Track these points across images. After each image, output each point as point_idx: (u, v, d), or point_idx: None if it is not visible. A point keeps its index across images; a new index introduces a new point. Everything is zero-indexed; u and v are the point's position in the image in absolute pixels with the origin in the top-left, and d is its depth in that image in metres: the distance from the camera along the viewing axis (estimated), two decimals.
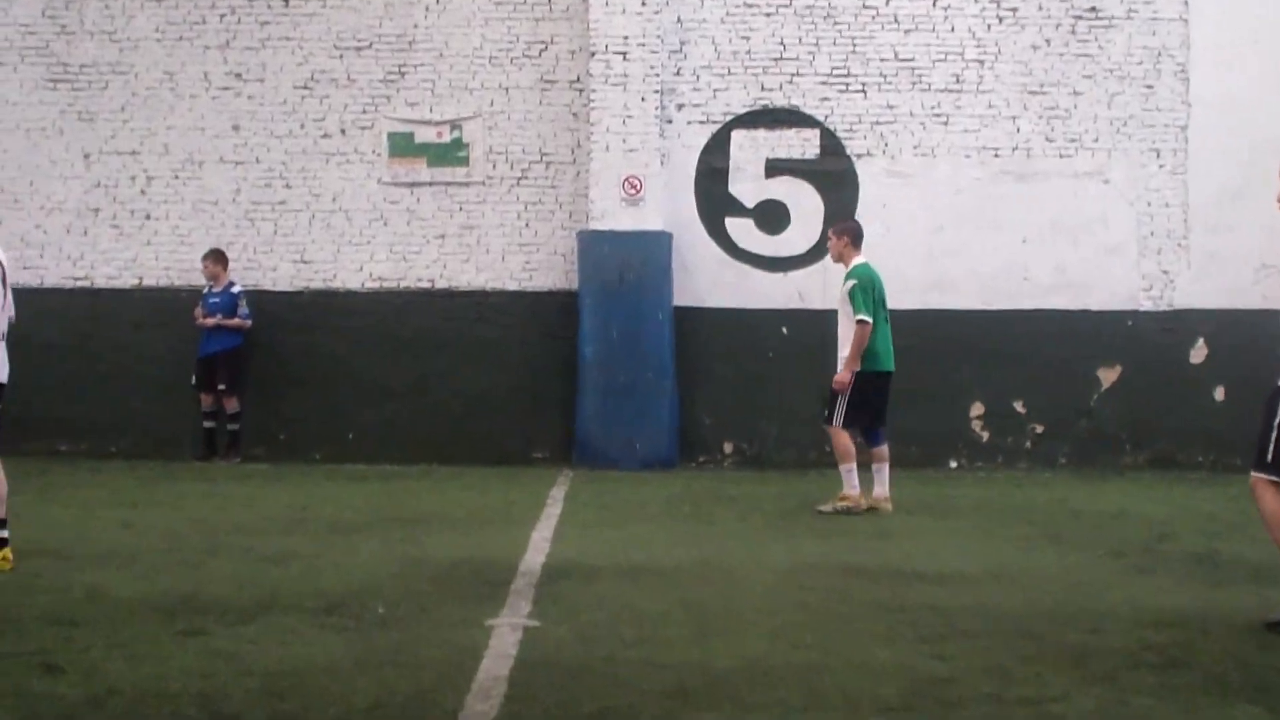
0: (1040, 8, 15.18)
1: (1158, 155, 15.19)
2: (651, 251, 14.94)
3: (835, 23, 15.25)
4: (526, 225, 15.27)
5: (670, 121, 15.22)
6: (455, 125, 15.29)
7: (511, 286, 15.28)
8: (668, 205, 15.09)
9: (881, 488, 11.38)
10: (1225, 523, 11.17)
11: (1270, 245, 15.03)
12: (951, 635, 6.81)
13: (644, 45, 14.90)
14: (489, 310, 15.22)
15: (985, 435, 15.21)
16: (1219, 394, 15.01)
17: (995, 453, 15.19)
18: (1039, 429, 15.16)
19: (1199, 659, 6.50)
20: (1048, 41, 15.19)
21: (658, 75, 14.98)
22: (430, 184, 15.26)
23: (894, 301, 14.75)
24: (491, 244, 15.28)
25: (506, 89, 15.22)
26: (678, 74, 15.24)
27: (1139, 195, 15.17)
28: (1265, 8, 15.19)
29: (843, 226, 11.86)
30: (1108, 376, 14.98)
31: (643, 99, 14.93)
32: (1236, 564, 9.21)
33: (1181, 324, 15.08)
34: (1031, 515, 11.49)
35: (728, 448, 15.29)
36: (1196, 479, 13.92)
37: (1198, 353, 15.05)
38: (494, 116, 15.24)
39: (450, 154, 15.31)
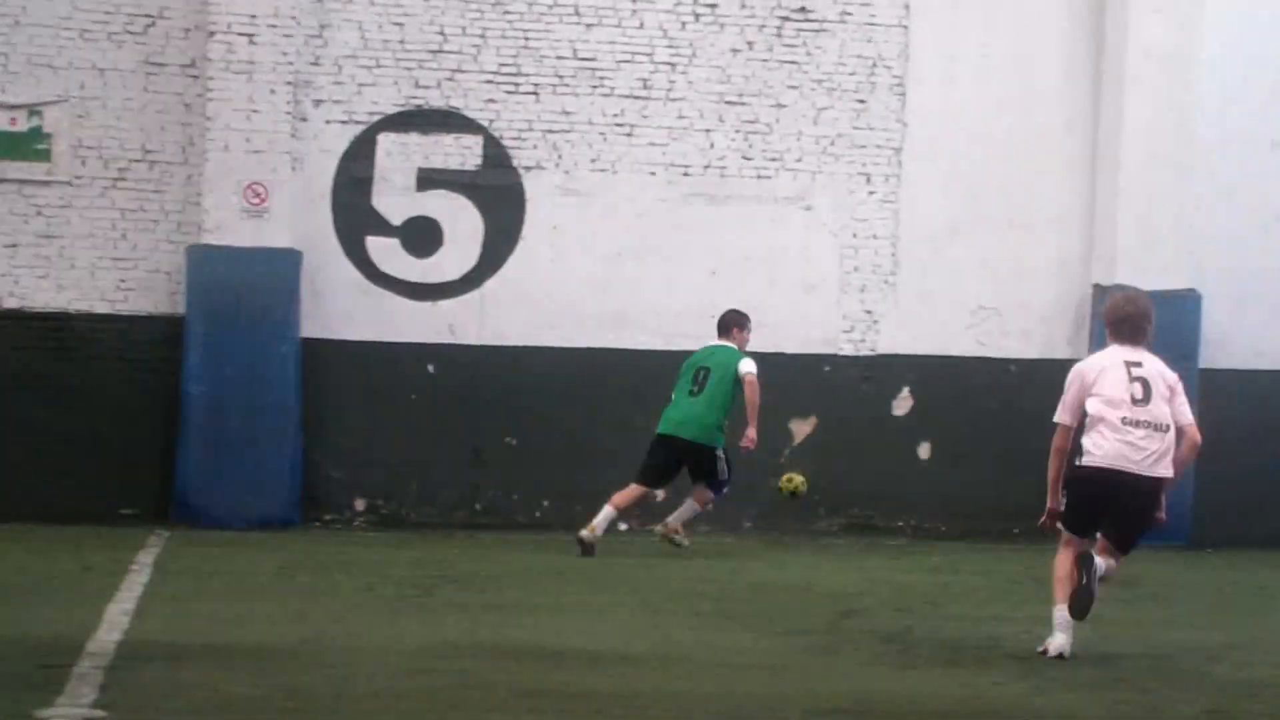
0: (743, 6, 15.58)
1: (868, 180, 15.78)
2: (276, 273, 14.81)
3: (505, 12, 15.39)
4: (123, 236, 14.92)
5: (305, 120, 15.12)
6: (33, 111, 14.83)
7: (101, 309, 14.91)
8: (298, 219, 14.98)
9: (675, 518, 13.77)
10: (921, 597, 11.63)
11: (988, 285, 15.77)
12: None
13: (275, 27, 14.77)
14: (71, 337, 14.83)
15: (660, 493, 15.47)
16: (924, 451, 15.64)
17: (670, 513, 15.42)
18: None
19: None
20: (750, 45, 15.63)
21: (291, 63, 14.88)
22: None
23: (563, 339, 15.09)
24: (78, 257, 14.87)
25: (101, 70, 14.86)
26: (315, 63, 15.16)
27: (844, 225, 15.72)
28: (994, 12, 15.91)
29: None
30: (801, 429, 15.45)
31: (272, 91, 14.80)
32: (929, 643, 9.58)
33: (885, 371, 15.68)
34: (707, 587, 11.75)
35: (359, 505, 15.26)
36: (895, 547, 14.47)
37: (901, 404, 15.66)
38: (84, 103, 14.84)
39: (26, 145, 14.86)
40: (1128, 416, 8.90)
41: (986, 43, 15.87)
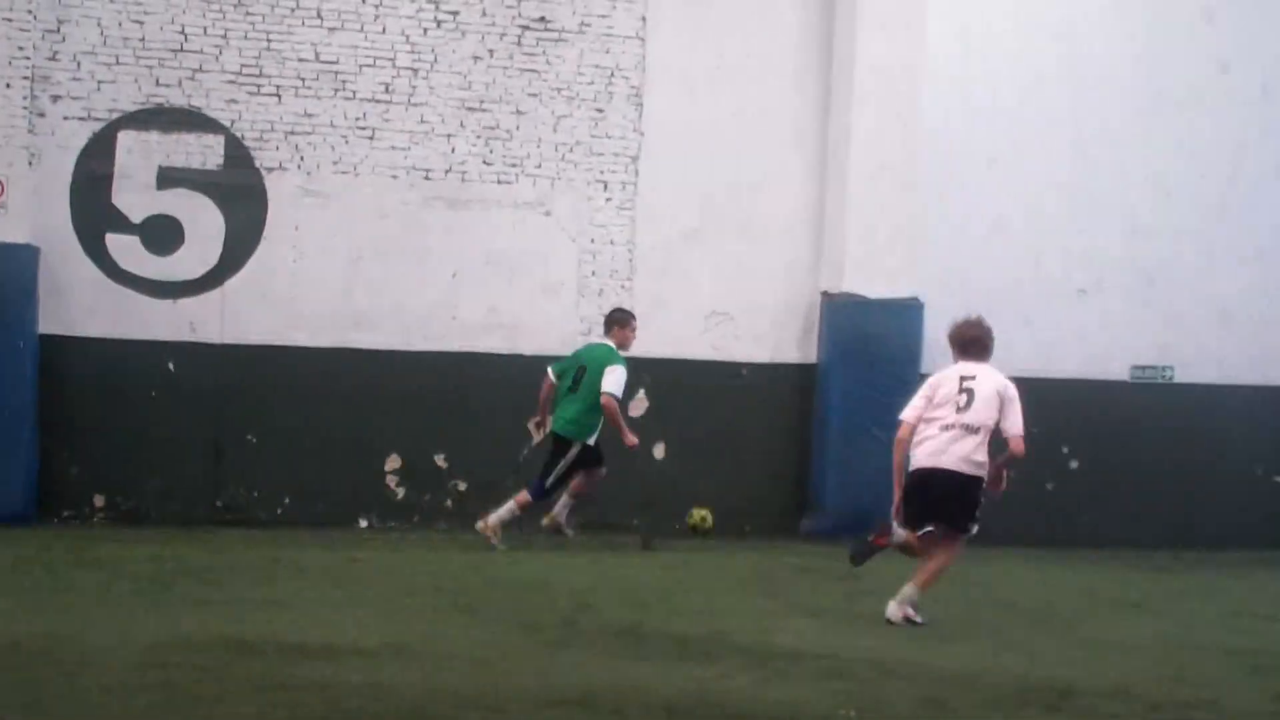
0: (484, 14, 15.63)
1: (605, 187, 15.97)
2: (13, 269, 14.48)
3: (248, 13, 15.26)
4: None
5: (43, 115, 14.81)
6: None
7: None
8: (35, 215, 14.67)
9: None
10: (654, 593, 11.84)
11: (721, 291, 16.09)
12: (335, 717, 6.97)
13: (10, 20, 14.45)
14: None
15: (401, 491, 15.53)
16: (659, 451, 15.88)
17: (411, 511, 15.53)
18: (462, 486, 15.59)
19: None
20: (491, 52, 15.70)
21: (28, 58, 14.58)
22: None
23: (305, 338, 15.04)
24: None
25: None
26: (53, 58, 14.85)
27: (582, 230, 15.89)
28: (728, 26, 16.17)
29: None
30: (538, 431, 15.61)
31: (7, 85, 14.50)
32: (660, 637, 9.80)
33: None
34: (445, 583, 11.83)
35: (98, 501, 14.97)
36: (628, 545, 14.65)
37: (638, 404, 15.88)
38: None
39: None
40: (948, 422, 10.49)
41: (721, 56, 16.15)
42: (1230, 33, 17.22)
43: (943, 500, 10.56)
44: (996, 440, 10.57)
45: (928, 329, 15.99)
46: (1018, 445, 10.51)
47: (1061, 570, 14.51)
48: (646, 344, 15.68)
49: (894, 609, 10.65)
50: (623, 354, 14.51)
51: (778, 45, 16.26)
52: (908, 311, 16.00)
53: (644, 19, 15.93)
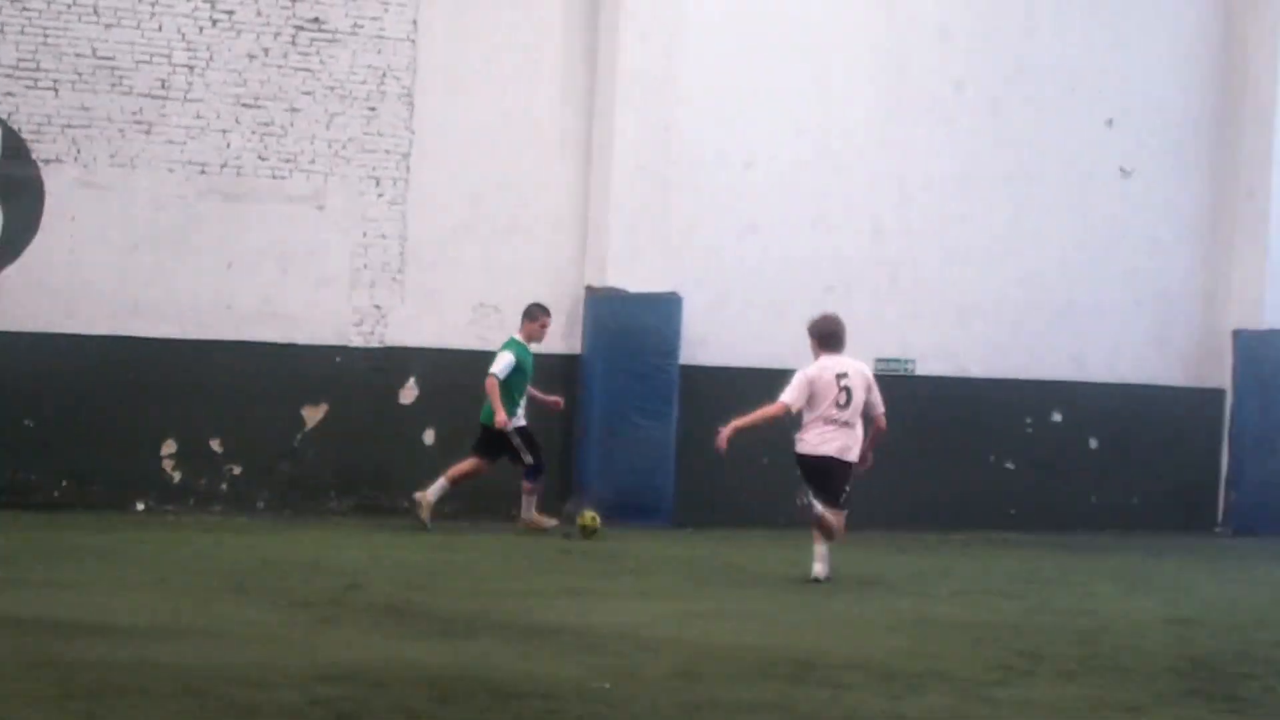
0: (259, 14, 15.43)
1: (377, 184, 15.87)
2: None
3: (24, 8, 14.83)
4: None
5: None
6: None
7: None
8: None
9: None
10: (422, 571, 11.89)
11: (489, 285, 16.10)
12: (106, 693, 6.89)
13: None
14: None
15: (177, 475, 15.29)
16: (429, 437, 15.87)
17: (187, 495, 15.29)
18: (237, 470, 15.41)
19: (369, 713, 6.94)
20: (265, 51, 15.51)
21: None
22: None
23: (82, 327, 14.74)
24: None
25: None
26: None
27: (355, 224, 15.77)
28: (497, 31, 16.14)
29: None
30: (313, 415, 15.46)
31: None
32: (427, 615, 9.85)
33: (393, 362, 15.82)
34: (218, 564, 11.76)
35: None
36: (401, 526, 14.63)
37: (408, 393, 15.84)
38: None
39: None
40: (831, 417, 12.17)
41: (490, 60, 16.16)
42: (964, 51, 17.73)
43: (825, 481, 12.09)
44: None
45: (686, 322, 16.25)
46: (881, 421, 12.56)
47: (807, 550, 14.78)
48: (417, 335, 15.75)
49: (820, 568, 12.17)
50: (532, 346, 15.20)
51: (544, 51, 16.33)
52: (666, 305, 16.20)
53: (415, 22, 15.86)
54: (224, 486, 15.39)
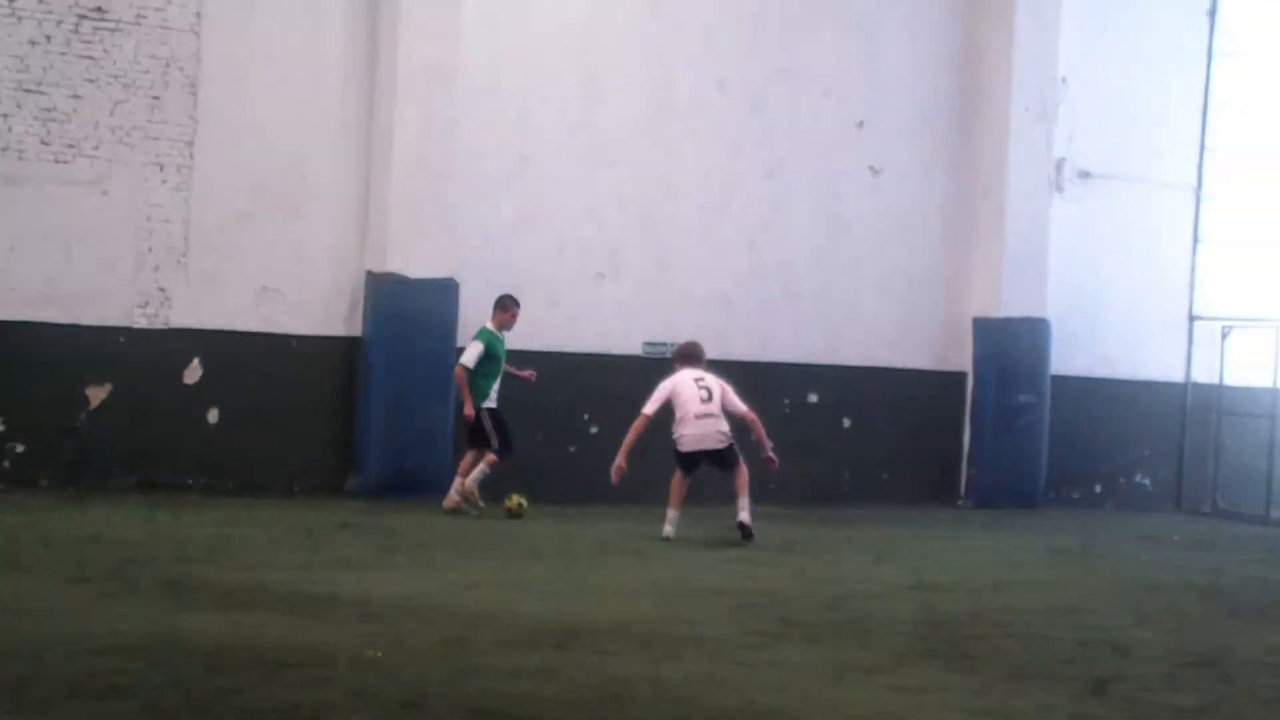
0: (41, 1, 14.84)
1: (161, 170, 15.38)
2: None
3: None
4: None
5: None
6: None
7: None
8: None
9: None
10: (202, 546, 11.55)
11: (272, 268, 15.72)
12: None
13: None
14: None
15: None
16: (212, 416, 15.45)
17: None
18: (20, 448, 14.82)
19: (143, 686, 6.65)
20: (48, 38, 14.91)
21: None
22: None
23: None
24: None
25: None
26: None
27: (139, 209, 15.27)
28: (280, 24, 15.76)
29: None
30: (97, 395, 14.94)
31: None
32: (204, 588, 9.56)
33: (177, 343, 15.36)
34: None
35: None
36: (185, 502, 14.29)
37: (192, 373, 15.40)
38: None
39: None
40: (700, 412, 13.83)
41: (273, 51, 15.79)
42: (728, 54, 17.88)
43: (715, 459, 13.96)
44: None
45: (463, 307, 16.04)
46: (752, 415, 14.25)
47: (579, 523, 14.75)
48: (201, 317, 15.34)
49: (745, 516, 13.71)
50: (504, 334, 15.28)
51: (326, 42, 16.05)
52: (445, 291, 16.03)
53: (199, 15, 15.45)
54: (6, 465, 14.77)
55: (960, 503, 19.27)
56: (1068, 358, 19.71)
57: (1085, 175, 19.99)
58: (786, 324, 18.27)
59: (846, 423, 18.69)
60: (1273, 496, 20.14)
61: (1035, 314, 19.17)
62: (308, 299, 15.97)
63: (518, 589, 10.47)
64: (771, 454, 14.19)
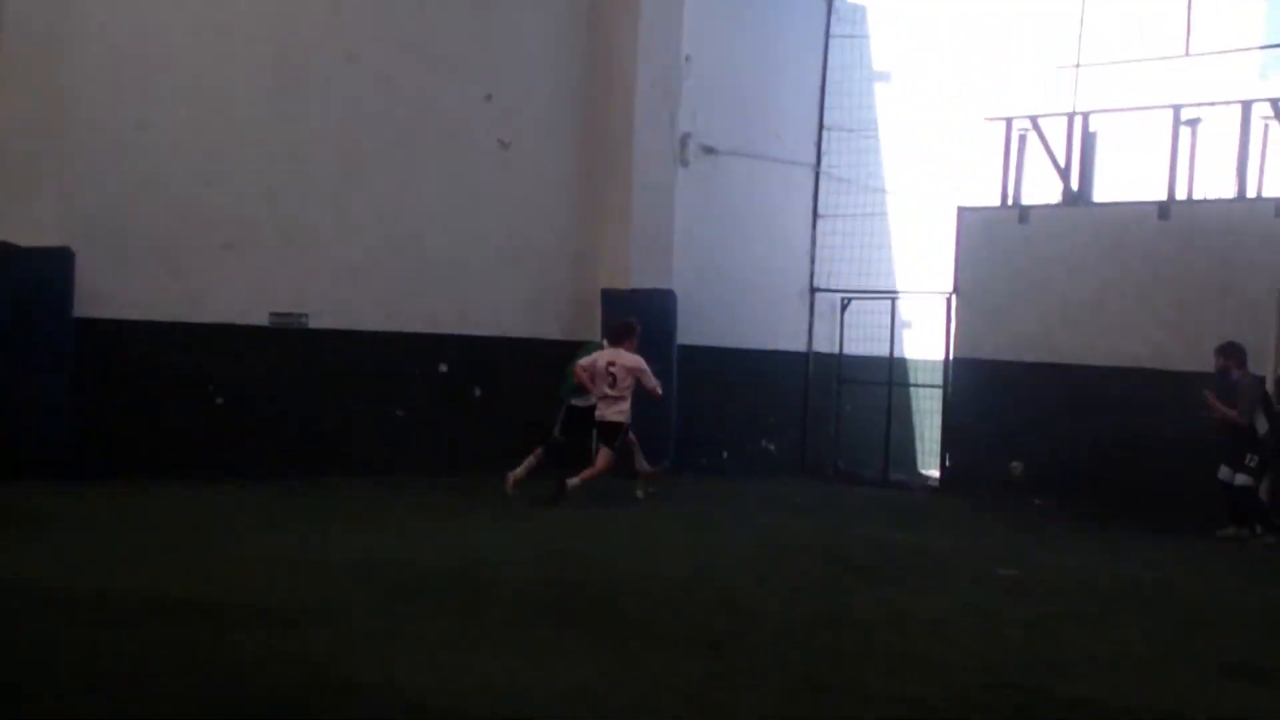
0: None
1: None
2: None
3: None
4: None
5: None
6: None
7: None
8: None
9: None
10: None
11: None
12: None
13: None
14: None
15: None
16: None
17: None
18: None
19: None
20: None
21: None
22: None
23: None
24: None
25: None
26: None
27: None
28: None
29: None
30: None
31: None
32: None
33: None
34: None
35: None
36: None
37: None
38: None
39: None
40: (602, 393, 15.90)
41: None
42: (355, 26, 17.72)
43: (599, 434, 15.94)
44: None
45: (80, 277, 15.53)
46: (655, 387, 16.12)
47: (212, 497, 14.52)
48: None
49: (575, 481, 15.33)
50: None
51: None
52: (59, 260, 15.38)
53: None
54: None
55: None
56: (694, 329, 20.24)
57: (710, 151, 20.57)
58: (417, 295, 18.26)
59: (477, 392, 18.83)
60: (890, 460, 21.16)
61: (662, 286, 19.63)
62: None
63: (143, 563, 10.30)
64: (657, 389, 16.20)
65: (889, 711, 6.99)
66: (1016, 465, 18.94)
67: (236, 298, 16.92)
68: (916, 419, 22.40)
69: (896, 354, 21.55)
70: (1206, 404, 15.60)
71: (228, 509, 13.78)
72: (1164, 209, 18.12)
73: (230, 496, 14.58)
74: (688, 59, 20.03)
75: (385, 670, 7.42)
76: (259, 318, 17.10)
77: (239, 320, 16.91)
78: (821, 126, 21.89)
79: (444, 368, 18.54)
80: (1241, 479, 15.52)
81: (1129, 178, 19.70)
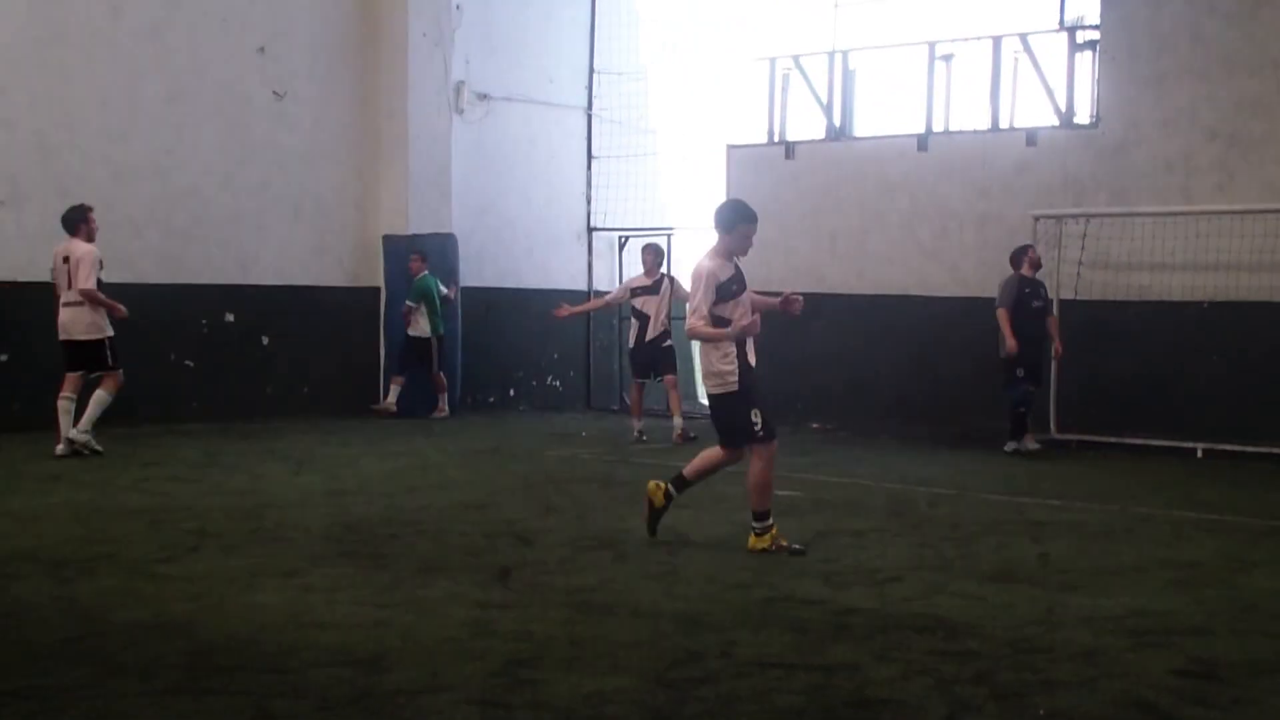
0: None
1: None
2: None
3: None
4: None
5: None
6: None
7: None
8: None
9: None
10: None
11: None
12: None
13: None
14: None
15: None
16: None
17: None
18: None
19: None
20: None
21: None
22: None
23: None
24: None
25: None
26: None
27: None
28: None
29: None
30: None
31: None
32: None
33: None
34: None
35: None
36: None
37: None
38: None
39: None
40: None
41: None
42: None
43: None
44: None
45: None
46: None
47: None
48: None
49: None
50: None
51: None
52: None
53: None
54: None
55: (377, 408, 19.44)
56: (476, 271, 20.27)
57: (484, 97, 20.53)
58: (198, 247, 17.95)
59: (265, 340, 18.60)
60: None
61: (442, 230, 19.58)
62: None
63: None
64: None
65: (670, 628, 7.15)
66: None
67: (15, 255, 16.43)
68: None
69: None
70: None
71: (15, 463, 13.47)
72: (922, 141, 18.58)
73: (20, 450, 14.23)
74: (458, 7, 19.95)
75: (169, 611, 7.37)
76: (38, 274, 16.57)
77: (19, 277, 16.43)
78: (592, 70, 21.98)
79: (230, 317, 18.28)
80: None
81: (888, 112, 20.12)
